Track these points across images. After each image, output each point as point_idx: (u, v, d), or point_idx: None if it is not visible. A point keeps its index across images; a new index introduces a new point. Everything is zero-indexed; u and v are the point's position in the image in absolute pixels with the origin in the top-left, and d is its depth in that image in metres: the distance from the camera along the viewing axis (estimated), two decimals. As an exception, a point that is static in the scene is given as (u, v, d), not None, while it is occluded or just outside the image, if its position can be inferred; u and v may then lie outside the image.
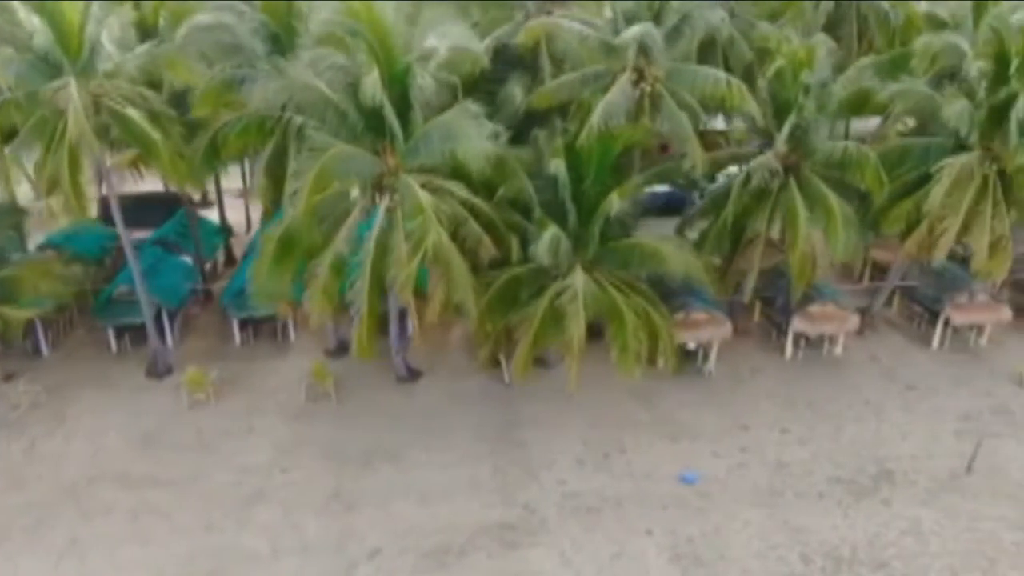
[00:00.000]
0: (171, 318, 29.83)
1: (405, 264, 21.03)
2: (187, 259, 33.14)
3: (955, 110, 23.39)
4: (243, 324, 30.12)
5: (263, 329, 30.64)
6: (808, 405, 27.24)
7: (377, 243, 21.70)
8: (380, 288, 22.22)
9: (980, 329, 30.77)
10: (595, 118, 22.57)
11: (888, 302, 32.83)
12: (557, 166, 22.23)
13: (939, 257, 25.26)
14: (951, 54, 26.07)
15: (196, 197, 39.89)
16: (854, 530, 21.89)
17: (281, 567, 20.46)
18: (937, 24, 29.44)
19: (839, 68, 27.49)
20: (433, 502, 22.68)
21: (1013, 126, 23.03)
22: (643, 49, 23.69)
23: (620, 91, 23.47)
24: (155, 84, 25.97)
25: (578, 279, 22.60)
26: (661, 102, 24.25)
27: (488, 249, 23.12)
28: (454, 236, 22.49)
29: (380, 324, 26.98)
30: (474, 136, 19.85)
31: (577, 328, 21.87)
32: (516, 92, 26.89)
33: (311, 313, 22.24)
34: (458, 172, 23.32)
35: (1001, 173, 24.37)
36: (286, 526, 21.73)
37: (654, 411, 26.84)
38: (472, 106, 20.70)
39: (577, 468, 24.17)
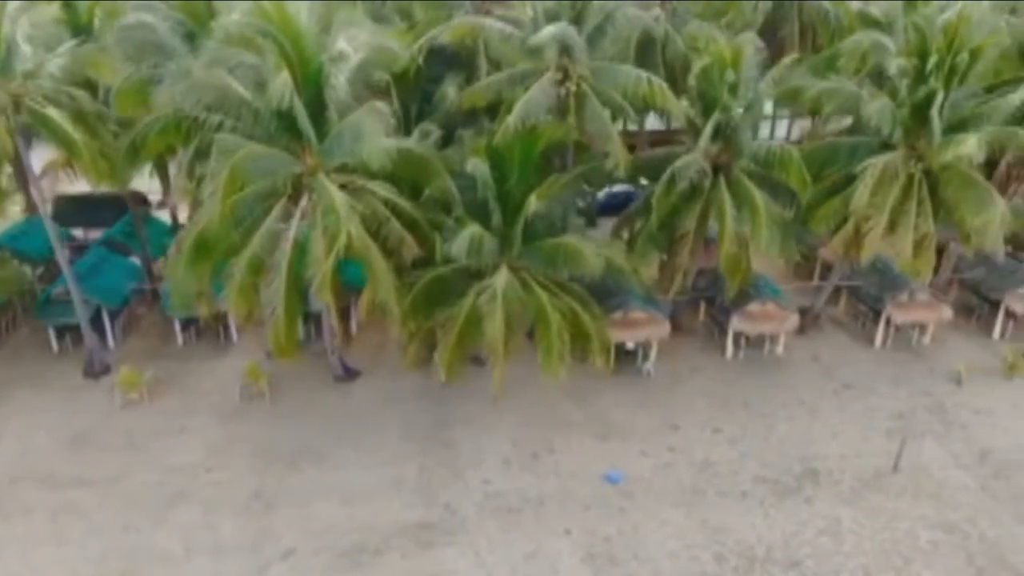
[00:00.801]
0: (112, 318, 29.85)
1: (321, 263, 20.99)
2: (135, 259, 33.19)
3: (875, 108, 23.34)
4: (185, 324, 30.09)
5: (206, 329, 30.60)
6: (743, 404, 27.22)
7: (295, 243, 21.67)
8: (300, 288, 22.18)
9: (923, 328, 30.74)
10: (512, 118, 22.53)
11: (835, 301, 32.83)
12: (475, 165, 22.20)
13: (865, 256, 25.22)
14: (879, 53, 26.05)
15: (156, 198, 40.04)
16: (772, 529, 21.89)
17: (192, 567, 20.46)
18: (870, 23, 29.38)
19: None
20: (355, 502, 22.69)
21: (935, 124, 22.97)
22: (565, 48, 23.65)
23: (540, 90, 23.44)
24: (91, 84, 26.10)
25: (499, 279, 22.54)
26: (586, 101, 24.23)
27: (411, 248, 23.10)
28: (375, 235, 22.51)
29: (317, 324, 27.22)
30: (377, 134, 19.77)
31: (494, 328, 21.79)
32: (450, 92, 26.88)
33: (231, 313, 22.17)
34: (384, 172, 23.39)
35: (927, 172, 24.30)
36: (203, 526, 21.73)
37: (588, 410, 26.83)
38: (380, 104, 20.64)
39: (503, 468, 24.17)
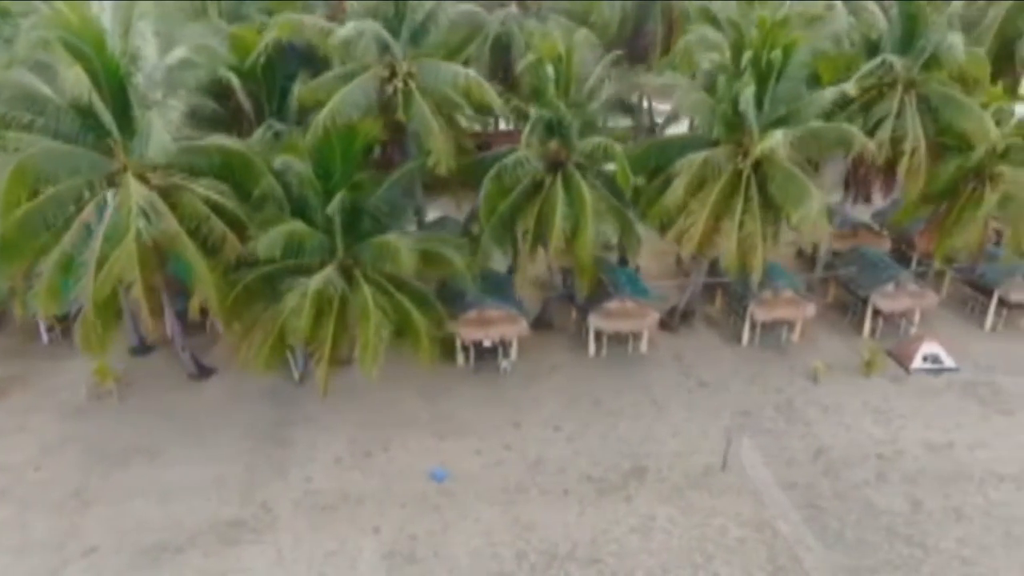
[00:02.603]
0: (-26, 317, 29.94)
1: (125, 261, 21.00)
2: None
3: (688, 103, 23.24)
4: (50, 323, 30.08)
5: (73, 327, 30.54)
6: (593, 403, 27.13)
7: (105, 240, 21.64)
8: (112, 285, 22.13)
9: (791, 326, 30.60)
10: (323, 115, 22.49)
11: (712, 299, 32.76)
12: (285, 163, 22.16)
13: (686, 253, 25.07)
14: (705, 50, 25.90)
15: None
16: (583, 527, 21.80)
17: (-10, 566, 20.48)
18: (710, 20, 29.26)
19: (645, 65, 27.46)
20: (173, 499, 22.64)
21: (750, 119, 22.83)
22: (385, 46, 23.58)
23: (360, 87, 23.40)
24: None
25: (317, 276, 22.51)
26: (412, 98, 24.16)
27: (234, 247, 23.10)
28: (195, 233, 22.52)
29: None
30: (160, 132, 19.72)
31: (300, 324, 21.80)
32: (297, 89, 26.81)
33: (40, 311, 22.19)
34: (213, 170, 23.42)
35: (756, 169, 24.14)
36: (15, 525, 21.69)
37: (435, 409, 26.77)
38: (172, 102, 20.61)
39: (332, 466, 24.11)
